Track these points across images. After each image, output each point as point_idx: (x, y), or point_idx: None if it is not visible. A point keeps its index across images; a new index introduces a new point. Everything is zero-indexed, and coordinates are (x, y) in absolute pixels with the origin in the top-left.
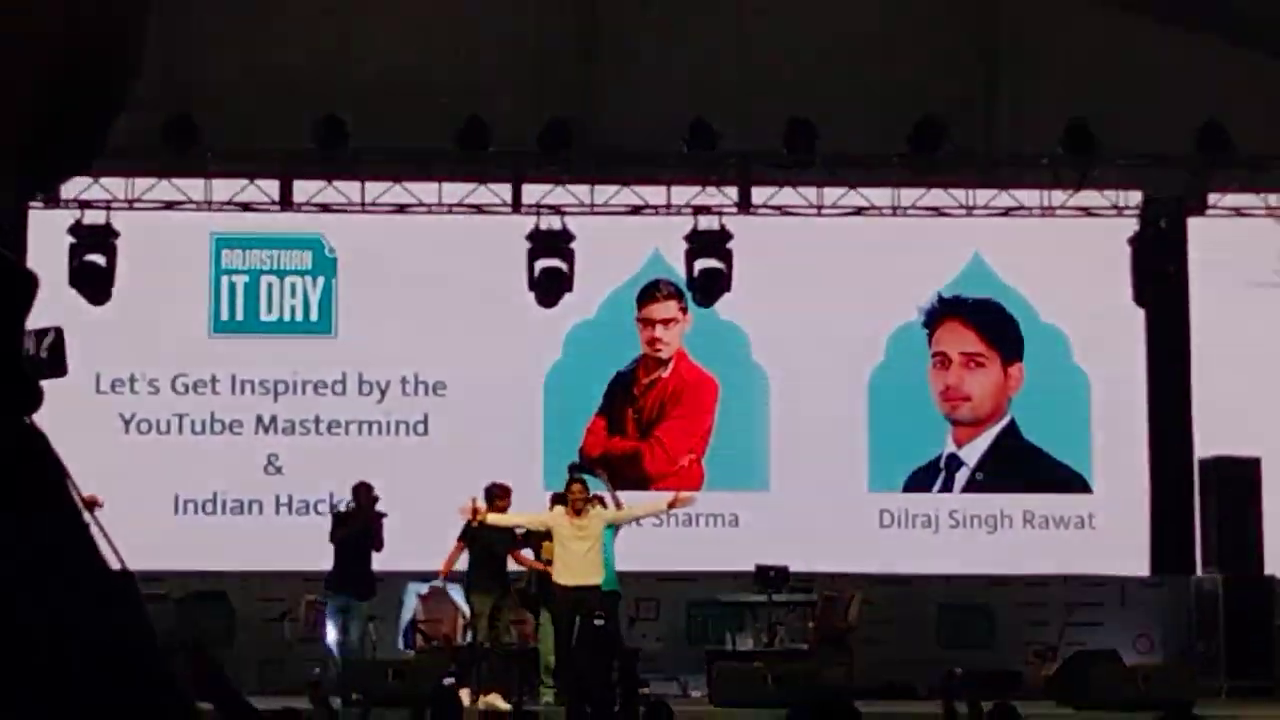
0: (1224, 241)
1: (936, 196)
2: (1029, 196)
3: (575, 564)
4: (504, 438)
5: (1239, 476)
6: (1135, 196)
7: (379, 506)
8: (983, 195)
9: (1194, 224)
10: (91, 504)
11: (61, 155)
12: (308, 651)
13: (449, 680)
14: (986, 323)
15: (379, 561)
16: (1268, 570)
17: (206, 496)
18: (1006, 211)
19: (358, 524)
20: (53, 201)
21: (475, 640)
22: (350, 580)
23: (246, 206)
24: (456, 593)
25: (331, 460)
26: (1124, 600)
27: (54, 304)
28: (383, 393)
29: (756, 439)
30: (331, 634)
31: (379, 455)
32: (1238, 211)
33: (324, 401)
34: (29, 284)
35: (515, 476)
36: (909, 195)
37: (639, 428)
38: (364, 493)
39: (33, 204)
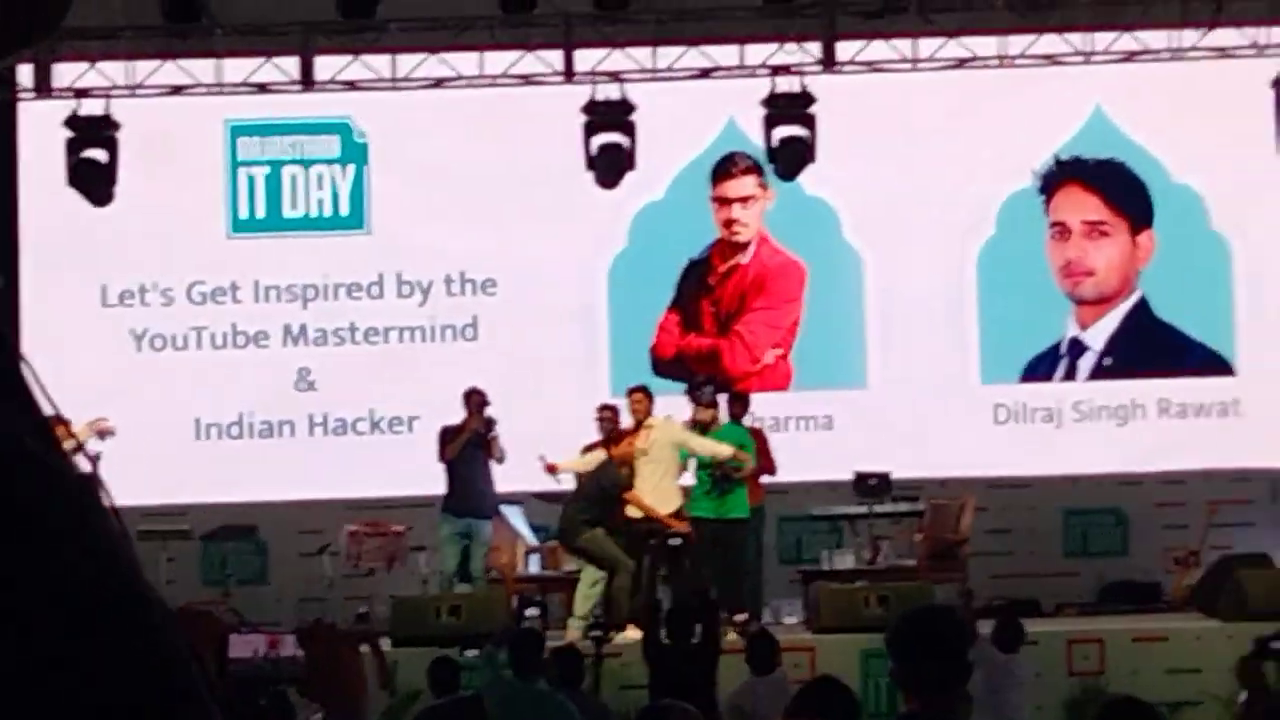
0: None
1: (1049, 43)
2: (1155, 38)
3: (646, 492)
4: (564, 339)
5: None
6: (1278, 33)
7: (488, 412)
8: (1102, 39)
9: None
10: (103, 432)
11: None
12: (351, 588)
13: (532, 611)
14: (1111, 185)
15: (428, 485)
16: None
17: (231, 419)
18: (1130, 56)
19: (468, 435)
20: (44, 90)
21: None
22: (471, 501)
23: (263, 88)
24: (515, 517)
25: (370, 372)
26: (1275, 496)
27: (52, 206)
28: (425, 294)
29: (851, 329)
30: (450, 564)
31: (423, 364)
32: None
33: (359, 306)
34: None
35: (578, 384)
36: (1018, 43)
37: (717, 322)
38: (474, 399)
39: (22, 95)
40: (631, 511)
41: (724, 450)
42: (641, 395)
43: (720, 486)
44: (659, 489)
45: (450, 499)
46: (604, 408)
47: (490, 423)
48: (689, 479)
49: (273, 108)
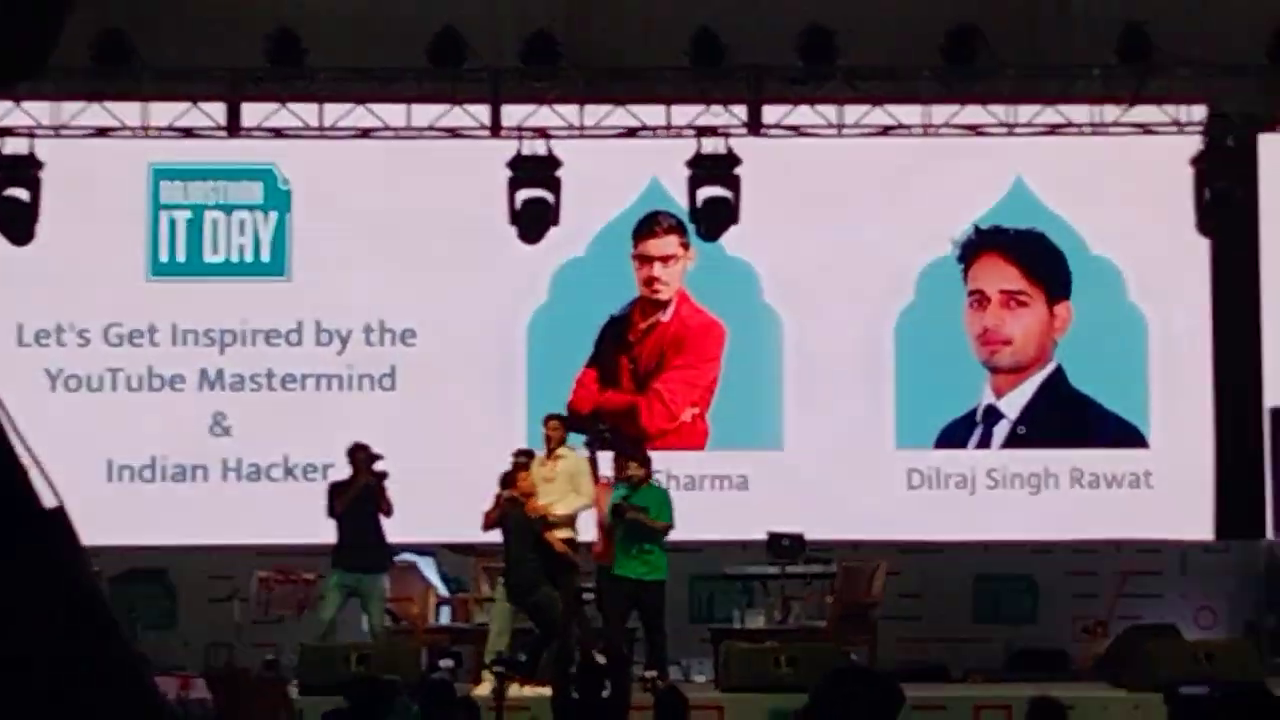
0: None
1: (973, 113)
2: (1078, 112)
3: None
4: (482, 392)
5: None
6: (1199, 111)
7: (379, 466)
8: (1025, 111)
9: (1265, 141)
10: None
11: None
12: (260, 635)
13: (447, 662)
14: (1029, 256)
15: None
16: None
17: (144, 462)
18: (1052, 129)
19: (357, 490)
20: None
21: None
22: (361, 555)
23: (189, 133)
24: (428, 568)
25: (286, 419)
26: (1184, 568)
27: None
28: (344, 342)
29: (768, 391)
30: (327, 614)
31: (340, 413)
32: None
33: (277, 353)
34: None
35: (495, 436)
36: (941, 112)
37: (635, 379)
38: (359, 454)
39: None
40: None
41: (578, 503)
42: (558, 423)
43: (639, 546)
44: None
45: (340, 552)
46: (520, 452)
47: (381, 476)
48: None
49: (196, 152)
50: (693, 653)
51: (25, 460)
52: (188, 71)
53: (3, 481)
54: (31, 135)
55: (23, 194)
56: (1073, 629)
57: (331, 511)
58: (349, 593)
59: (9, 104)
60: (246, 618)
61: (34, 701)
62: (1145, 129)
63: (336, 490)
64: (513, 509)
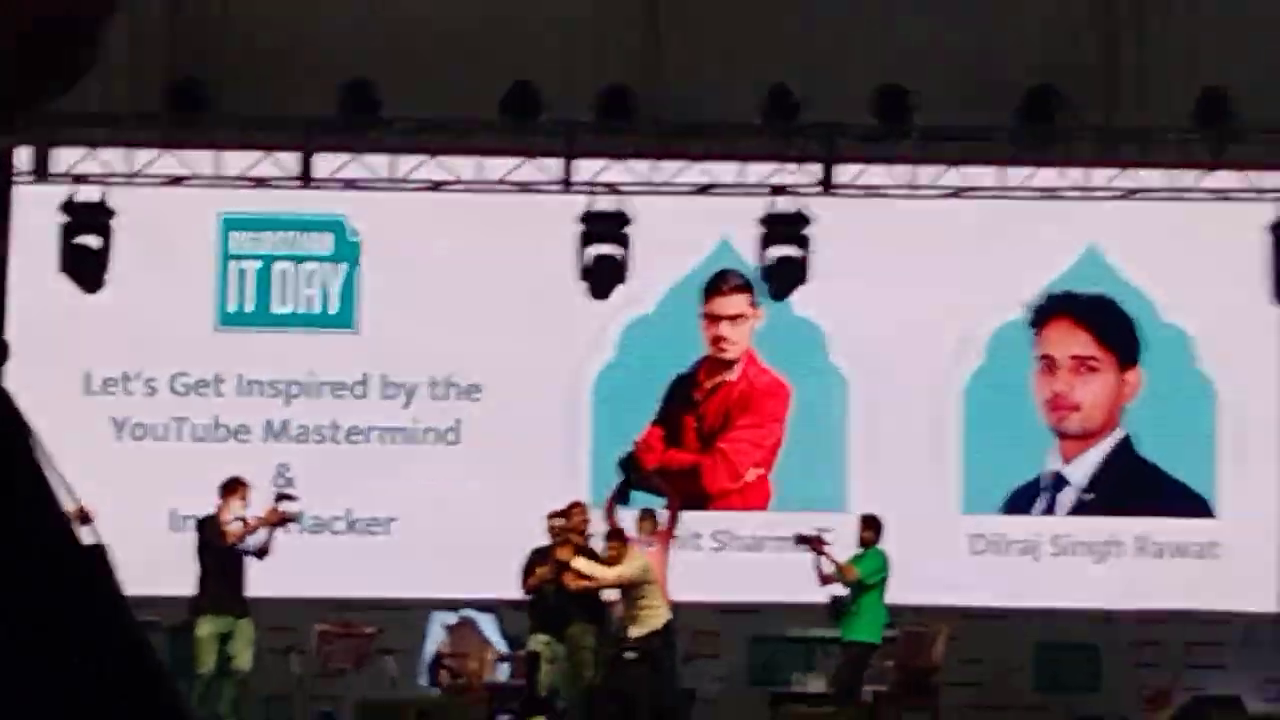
0: None
1: (1048, 176)
2: (1154, 177)
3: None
4: (546, 448)
5: None
6: (1277, 178)
7: (285, 507)
8: (1101, 175)
9: None
10: (84, 517)
11: (32, 72)
12: (317, 687)
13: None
14: (1101, 322)
15: (401, 588)
16: None
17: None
18: (1128, 194)
19: (242, 533)
20: (41, 175)
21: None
22: (225, 598)
23: (261, 182)
24: (488, 625)
25: (350, 472)
26: (1249, 640)
27: (42, 291)
28: (409, 396)
29: (833, 453)
30: (207, 666)
31: (404, 466)
32: None
33: (343, 405)
34: None
35: (559, 492)
36: (1016, 175)
37: (700, 438)
38: (240, 489)
39: (18, 179)
40: None
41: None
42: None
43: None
44: None
45: (206, 598)
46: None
47: (284, 519)
48: None
49: (268, 202)
50: (751, 715)
51: (66, 501)
52: (261, 121)
53: (39, 515)
54: (104, 183)
55: (94, 241)
56: (1136, 699)
57: (221, 541)
58: (221, 639)
59: (83, 150)
60: (305, 670)
61: None
62: (1222, 195)
63: (211, 526)
64: None
